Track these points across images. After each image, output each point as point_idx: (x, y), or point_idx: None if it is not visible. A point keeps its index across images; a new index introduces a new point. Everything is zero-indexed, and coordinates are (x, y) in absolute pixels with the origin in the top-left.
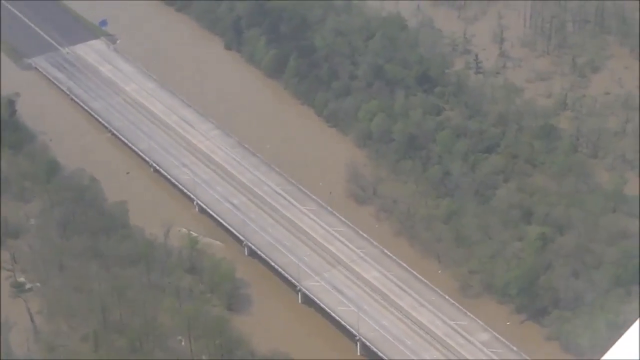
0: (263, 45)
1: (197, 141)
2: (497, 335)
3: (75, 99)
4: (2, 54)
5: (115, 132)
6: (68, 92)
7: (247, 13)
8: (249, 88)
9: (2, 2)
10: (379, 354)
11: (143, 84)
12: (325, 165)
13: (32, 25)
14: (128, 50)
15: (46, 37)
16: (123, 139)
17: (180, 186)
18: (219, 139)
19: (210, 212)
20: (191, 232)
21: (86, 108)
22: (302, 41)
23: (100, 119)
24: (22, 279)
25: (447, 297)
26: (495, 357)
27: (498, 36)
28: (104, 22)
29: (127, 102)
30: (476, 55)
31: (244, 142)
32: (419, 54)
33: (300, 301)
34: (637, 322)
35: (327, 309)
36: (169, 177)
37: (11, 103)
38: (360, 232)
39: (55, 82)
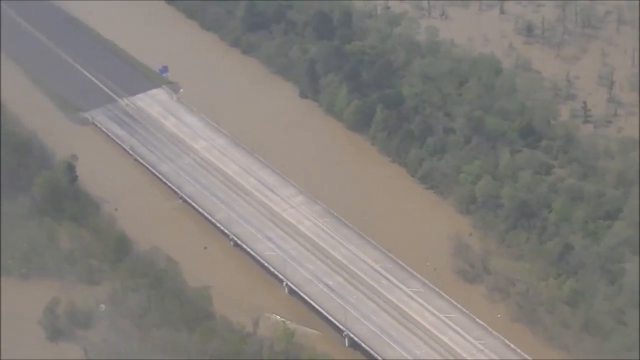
0: (344, 94)
1: (280, 209)
2: None
3: (140, 160)
4: (54, 107)
5: (186, 198)
6: (131, 152)
7: (323, 57)
8: (331, 143)
9: (55, 49)
10: None
11: (213, 141)
12: (426, 236)
13: (86, 73)
14: (193, 99)
15: (102, 86)
16: (196, 206)
17: (266, 264)
18: (305, 205)
19: (302, 295)
20: (283, 320)
21: (153, 170)
22: (387, 89)
23: (169, 184)
24: None
25: None
26: None
27: (605, 78)
28: (164, 69)
29: (198, 163)
30: (584, 103)
31: (332, 208)
32: (519, 102)
33: None
34: None
35: None
36: (252, 252)
37: (70, 168)
38: (474, 317)
39: (115, 139)
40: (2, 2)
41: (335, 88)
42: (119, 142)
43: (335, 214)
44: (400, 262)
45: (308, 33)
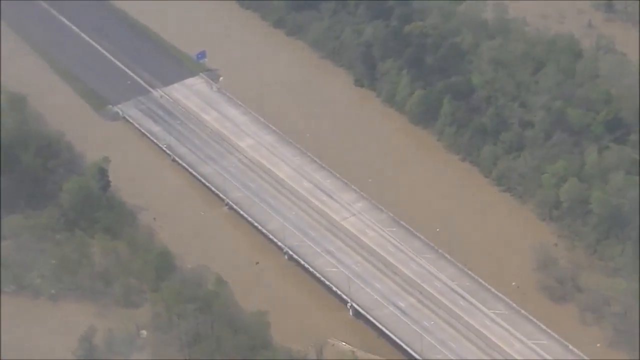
0: (405, 83)
1: (339, 217)
2: None
3: (178, 161)
4: (81, 100)
5: (233, 205)
6: (168, 152)
7: (380, 40)
8: (392, 139)
9: (80, 35)
10: None
11: (260, 138)
12: (505, 246)
13: (115, 61)
14: (235, 89)
15: (133, 75)
16: (244, 214)
17: (327, 282)
18: (368, 213)
19: (370, 318)
20: (350, 348)
21: (193, 173)
22: (453, 76)
23: (212, 188)
24: None
25: None
26: None
27: None
28: (202, 55)
29: (244, 164)
30: None
31: (399, 216)
32: (604, 90)
33: None
34: None
35: None
36: (310, 268)
37: (102, 172)
38: (567, 343)
39: (150, 136)
40: None
41: (395, 76)
42: (154, 139)
43: (402, 223)
44: (479, 280)
45: (361, 12)
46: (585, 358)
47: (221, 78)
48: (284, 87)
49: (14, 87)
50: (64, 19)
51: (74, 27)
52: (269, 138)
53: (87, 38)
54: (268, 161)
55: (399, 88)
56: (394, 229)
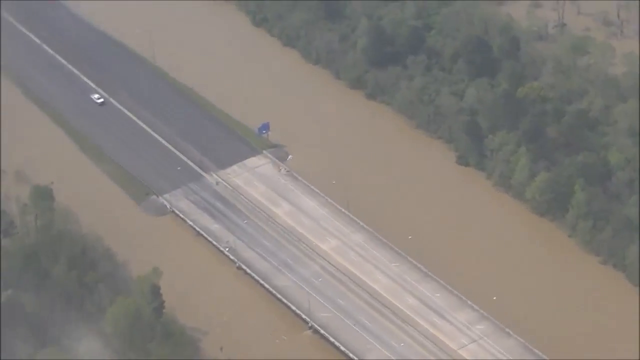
0: (524, 163)
1: (456, 345)
2: None
3: (245, 268)
4: (117, 188)
5: (318, 328)
6: (231, 256)
7: (487, 106)
8: (512, 236)
9: (110, 100)
10: None
11: (346, 237)
12: None
13: (155, 135)
14: (308, 171)
15: (180, 154)
16: (334, 341)
17: None
18: (492, 338)
19: None
20: None
21: (265, 285)
22: (584, 152)
23: (291, 305)
24: None
25: None
26: None
27: None
28: (264, 127)
29: (328, 272)
30: None
31: (533, 344)
32: None
33: None
34: None
35: None
36: None
37: (154, 291)
38: None
39: (207, 236)
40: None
41: (509, 152)
42: (212, 240)
43: (536, 351)
44: None
45: (459, 68)
46: None
47: (290, 156)
48: (371, 166)
49: (35, 174)
50: (85, 79)
51: (100, 90)
52: (357, 237)
53: (120, 106)
54: (359, 269)
55: (516, 169)
56: None
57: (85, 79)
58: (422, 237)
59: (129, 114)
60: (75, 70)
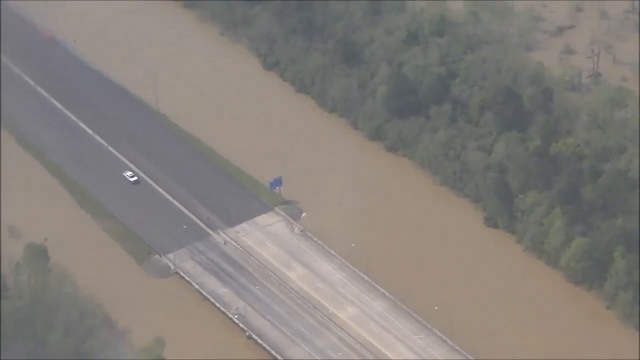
0: (558, 227)
1: None
2: None
3: (256, 338)
4: (117, 247)
5: None
6: (241, 325)
7: (518, 163)
8: (550, 309)
9: (109, 149)
10: None
11: (366, 305)
12: None
13: (158, 187)
14: (324, 231)
15: (186, 211)
16: None
17: None
18: None
19: None
20: None
21: (277, 356)
22: (623, 216)
23: None
24: None
25: None
26: None
27: None
28: (277, 182)
29: (347, 345)
30: None
31: None
32: None
33: None
34: None
35: None
36: None
37: None
38: None
39: (214, 301)
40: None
41: (542, 214)
42: (220, 306)
43: None
44: None
45: (487, 120)
46: None
47: (304, 214)
48: (392, 226)
49: (29, 232)
50: (83, 125)
51: (97, 138)
52: (378, 305)
53: (120, 155)
54: (380, 341)
55: (549, 233)
56: None
57: (84, 126)
58: (448, 306)
59: (130, 164)
60: (72, 116)
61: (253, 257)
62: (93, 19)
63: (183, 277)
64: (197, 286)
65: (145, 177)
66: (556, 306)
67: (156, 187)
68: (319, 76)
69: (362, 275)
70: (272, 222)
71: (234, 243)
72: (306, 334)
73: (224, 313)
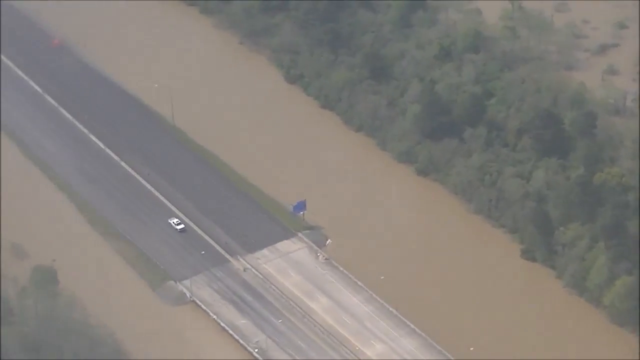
0: (602, 263)
1: None
2: None
3: None
4: (131, 271)
5: None
6: (261, 359)
7: (559, 192)
8: (592, 351)
9: (121, 164)
10: None
11: (395, 342)
12: None
13: (173, 207)
14: (350, 259)
15: (204, 235)
16: None
17: None
18: None
19: None
20: None
21: None
22: None
23: None
24: None
25: None
26: None
27: None
28: (300, 205)
29: None
30: None
31: None
32: None
33: None
34: None
35: None
36: None
37: None
38: None
39: (232, 333)
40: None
41: (584, 249)
42: (238, 338)
43: None
44: None
45: (525, 144)
46: None
47: (329, 241)
48: (423, 257)
49: (37, 255)
50: (94, 139)
51: (109, 152)
52: (407, 343)
53: (134, 173)
54: None
55: (591, 269)
56: None
57: (95, 139)
58: (483, 347)
59: (145, 183)
60: (84, 129)
61: (274, 286)
62: (106, 24)
63: (199, 306)
64: (214, 316)
65: (162, 197)
66: (599, 349)
67: (172, 207)
68: (345, 92)
69: (390, 309)
70: (294, 248)
71: (254, 270)
72: None
73: (243, 346)
